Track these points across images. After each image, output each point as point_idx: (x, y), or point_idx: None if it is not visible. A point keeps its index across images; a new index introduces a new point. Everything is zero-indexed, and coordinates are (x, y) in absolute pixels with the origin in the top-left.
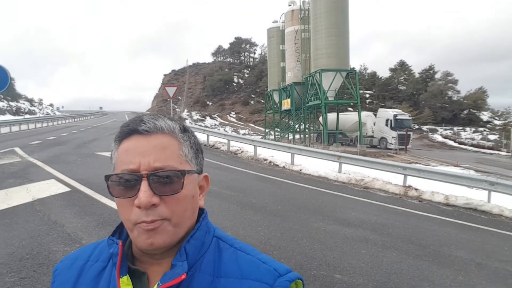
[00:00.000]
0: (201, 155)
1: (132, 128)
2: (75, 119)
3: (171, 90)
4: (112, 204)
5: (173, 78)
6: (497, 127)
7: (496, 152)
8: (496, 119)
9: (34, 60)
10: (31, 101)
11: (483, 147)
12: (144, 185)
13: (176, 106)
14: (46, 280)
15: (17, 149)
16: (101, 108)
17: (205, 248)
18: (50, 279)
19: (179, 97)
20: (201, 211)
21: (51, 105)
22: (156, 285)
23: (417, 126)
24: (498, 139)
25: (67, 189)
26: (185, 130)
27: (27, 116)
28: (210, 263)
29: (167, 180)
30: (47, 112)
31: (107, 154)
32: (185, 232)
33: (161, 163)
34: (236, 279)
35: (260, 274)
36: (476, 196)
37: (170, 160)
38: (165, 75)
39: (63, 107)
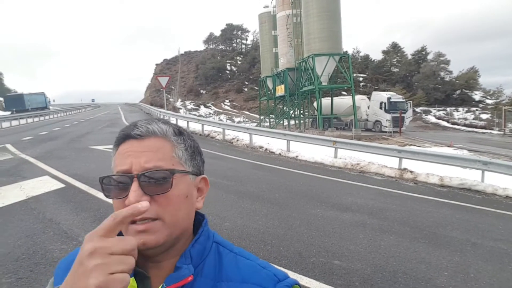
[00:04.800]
0: (198, 157)
1: (126, 133)
2: (67, 113)
3: (163, 80)
4: (109, 199)
5: (165, 67)
6: (489, 106)
7: (489, 131)
8: (488, 98)
9: (22, 53)
10: None
11: (476, 127)
12: (134, 185)
13: (169, 96)
14: (43, 280)
15: (9, 146)
16: (93, 100)
17: (206, 253)
18: (47, 279)
19: (172, 87)
20: (202, 217)
21: None
22: (160, 286)
23: (411, 109)
24: (490, 118)
25: (62, 185)
26: (180, 133)
27: None
28: (211, 267)
29: (156, 180)
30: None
31: (101, 147)
32: (180, 233)
33: (152, 164)
34: (237, 283)
35: (261, 278)
36: (470, 176)
37: (161, 161)
38: (157, 64)
39: (54, 100)
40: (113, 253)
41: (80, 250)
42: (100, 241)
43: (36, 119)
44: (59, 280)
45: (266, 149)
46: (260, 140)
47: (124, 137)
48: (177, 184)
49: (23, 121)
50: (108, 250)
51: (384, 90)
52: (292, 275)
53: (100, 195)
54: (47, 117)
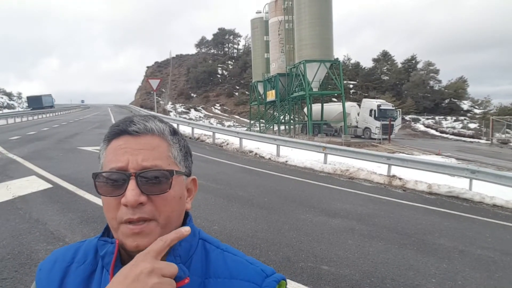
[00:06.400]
0: (190, 158)
1: (122, 128)
2: (56, 113)
3: (154, 83)
4: (96, 200)
5: (156, 70)
6: (477, 116)
7: (476, 140)
8: (476, 108)
9: (14, 52)
10: (9, 95)
11: (464, 136)
12: (132, 184)
13: (160, 99)
14: (28, 281)
15: None
16: (83, 101)
17: (192, 250)
18: (32, 279)
19: (163, 90)
20: (186, 214)
21: None
22: None
23: (400, 116)
24: (478, 127)
25: (49, 185)
26: (175, 133)
27: (5, 110)
28: (198, 264)
29: (155, 180)
30: (27, 106)
31: (90, 149)
32: None
33: (150, 163)
34: (226, 279)
35: (249, 274)
36: (458, 184)
37: (158, 160)
38: (148, 67)
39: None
40: (164, 275)
41: (133, 267)
42: (155, 262)
43: (24, 119)
44: (41, 285)
45: (256, 154)
46: (250, 145)
47: (119, 132)
48: (174, 185)
49: (11, 121)
50: (162, 272)
51: (374, 98)
52: None
53: (88, 196)
54: (35, 117)
